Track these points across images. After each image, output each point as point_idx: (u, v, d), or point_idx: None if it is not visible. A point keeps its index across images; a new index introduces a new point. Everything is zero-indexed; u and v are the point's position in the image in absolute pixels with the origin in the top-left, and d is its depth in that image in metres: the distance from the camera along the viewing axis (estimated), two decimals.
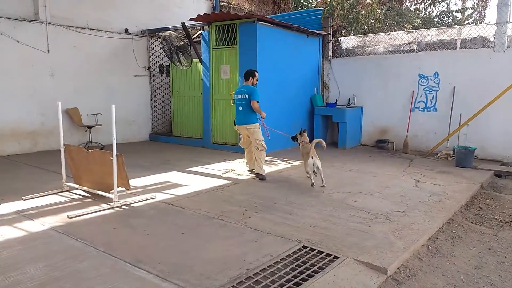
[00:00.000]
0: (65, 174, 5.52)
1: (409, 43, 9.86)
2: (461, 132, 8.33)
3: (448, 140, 8.46)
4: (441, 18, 15.95)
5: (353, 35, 12.22)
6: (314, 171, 5.90)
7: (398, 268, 3.37)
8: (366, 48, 10.54)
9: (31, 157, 7.99)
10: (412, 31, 10.46)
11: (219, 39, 8.79)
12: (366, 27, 14.24)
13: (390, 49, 10.06)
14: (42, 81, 8.51)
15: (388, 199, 5.25)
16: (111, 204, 4.80)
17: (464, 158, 7.43)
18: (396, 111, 9.46)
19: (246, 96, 6.34)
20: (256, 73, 6.55)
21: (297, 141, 6.67)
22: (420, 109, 9.15)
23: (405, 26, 16.34)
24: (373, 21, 14.08)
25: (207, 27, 8.91)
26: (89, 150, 5.19)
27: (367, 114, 10.03)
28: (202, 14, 8.34)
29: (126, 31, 10.09)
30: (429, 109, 9.02)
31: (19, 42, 8.06)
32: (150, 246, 3.66)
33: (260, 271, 3.16)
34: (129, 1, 10.20)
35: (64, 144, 5.51)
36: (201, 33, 9.11)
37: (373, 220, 4.38)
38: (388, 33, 10.68)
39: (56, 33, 8.67)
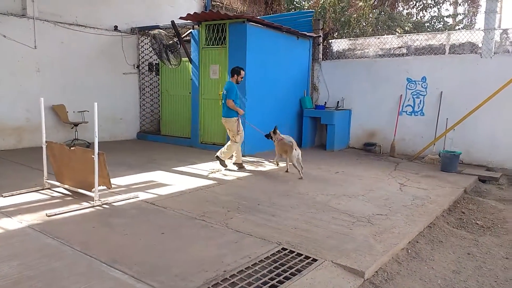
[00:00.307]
0: (47, 172, 5.45)
1: (399, 47, 9.93)
2: (447, 136, 8.39)
3: (434, 144, 8.52)
4: (432, 23, 16.07)
5: (345, 38, 12.27)
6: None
7: (376, 272, 3.37)
8: (357, 51, 10.59)
9: (16, 153, 7.87)
10: (402, 35, 10.54)
11: (209, 39, 8.76)
12: (357, 30, 14.31)
13: (380, 53, 10.11)
14: (28, 77, 8.40)
15: (372, 202, 5.26)
16: (92, 202, 4.74)
17: (449, 162, 7.49)
18: (384, 114, 9.51)
19: (225, 92, 6.77)
20: (242, 71, 6.77)
21: (271, 139, 6.97)
22: (407, 113, 9.21)
23: (397, 30, 16.45)
24: (364, 24, 14.15)
25: (197, 26, 8.88)
26: (71, 148, 5.13)
27: (355, 117, 10.07)
28: (192, 13, 8.30)
29: (116, 28, 10.01)
30: (416, 113, 9.08)
31: (6, 37, 7.94)
32: (128, 246, 3.62)
33: (237, 272, 3.14)
34: None
35: (46, 141, 5.43)
36: (191, 32, 9.07)
37: (355, 223, 4.38)
38: (378, 37, 10.73)
39: (44, 29, 8.57)
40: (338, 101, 10.17)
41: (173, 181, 6.07)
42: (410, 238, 4.12)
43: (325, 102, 10.30)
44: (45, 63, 8.66)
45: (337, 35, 13.70)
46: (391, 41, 10.05)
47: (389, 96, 9.42)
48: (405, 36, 10.30)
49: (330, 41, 11.17)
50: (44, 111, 5.40)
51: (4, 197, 4.94)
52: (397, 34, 14.12)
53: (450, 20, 16.63)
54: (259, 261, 3.36)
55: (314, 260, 3.42)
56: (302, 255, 3.51)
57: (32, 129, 8.39)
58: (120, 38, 10.09)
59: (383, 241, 3.88)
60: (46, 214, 4.34)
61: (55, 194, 5.22)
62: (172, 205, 4.82)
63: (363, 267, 3.29)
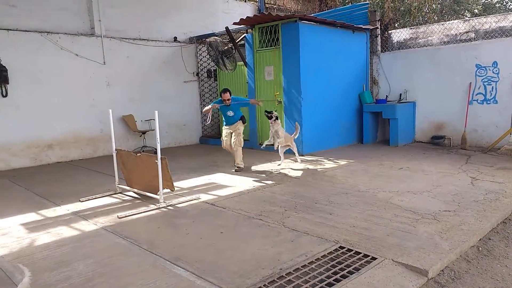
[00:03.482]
0: (118, 177, 5.89)
1: (466, 32, 9.23)
2: None
3: (511, 134, 7.79)
4: (504, 3, 14.72)
5: (406, 27, 11.69)
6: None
7: (442, 270, 3.18)
8: (419, 40, 10.04)
9: (92, 161, 8.60)
10: (469, 19, 9.79)
11: (262, 41, 8.87)
12: (420, 18, 13.56)
13: (445, 40, 9.49)
14: (99, 91, 9.14)
15: (439, 198, 4.97)
16: (157, 205, 5.04)
17: None
18: (452, 105, 8.90)
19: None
20: (223, 94, 7.05)
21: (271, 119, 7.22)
22: (478, 101, 8.53)
23: (465, 14, 15.33)
24: (427, 11, 13.37)
25: (250, 30, 9.03)
26: (137, 154, 5.49)
27: (420, 109, 9.55)
28: (244, 18, 8.47)
29: (175, 39, 10.52)
30: (488, 101, 8.38)
31: (78, 55, 8.74)
32: (190, 244, 3.79)
33: (293, 270, 3.15)
34: (178, 10, 10.63)
35: (116, 149, 5.88)
36: (245, 36, 9.25)
37: (419, 221, 4.17)
38: (442, 23, 10.07)
39: (111, 45, 9.27)
40: (400, 94, 9.73)
41: (232, 182, 6.23)
42: (481, 235, 3.83)
43: (386, 96, 9.90)
44: (113, 77, 9.36)
45: (397, 25, 13.09)
46: (457, 26, 9.38)
47: (456, 85, 8.81)
48: (472, 19, 9.55)
49: (389, 31, 10.71)
50: (114, 122, 5.87)
51: (82, 201, 5.43)
52: (465, 18, 13.16)
53: None
54: (315, 260, 3.34)
55: (373, 258, 3.32)
56: (360, 253, 3.42)
57: (106, 139, 9.10)
58: (179, 48, 10.59)
59: (450, 239, 3.65)
60: (118, 216, 4.70)
61: (126, 197, 5.62)
62: (230, 206, 4.96)
63: (427, 265, 3.12)
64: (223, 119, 7.40)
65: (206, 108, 7.10)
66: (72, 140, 8.85)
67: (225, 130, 7.36)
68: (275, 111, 7.54)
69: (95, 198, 5.57)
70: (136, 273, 3.22)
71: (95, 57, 9.01)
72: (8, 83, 7.84)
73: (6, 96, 7.87)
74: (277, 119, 7.11)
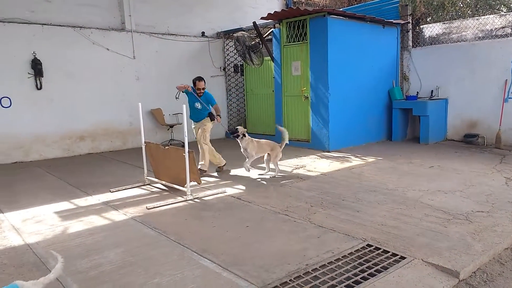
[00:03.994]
0: (147, 169, 6.01)
1: (502, 28, 8.85)
2: None
3: None
4: None
5: (438, 22, 11.32)
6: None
7: (474, 272, 3.08)
8: (452, 35, 9.71)
9: (121, 153, 8.82)
10: (505, 14, 9.37)
11: (290, 36, 8.80)
12: (454, 13, 13.09)
13: (479, 35, 9.14)
14: (129, 85, 9.33)
15: (471, 198, 4.81)
16: (185, 197, 5.12)
17: None
18: (487, 102, 8.58)
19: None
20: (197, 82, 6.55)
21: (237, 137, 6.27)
22: None
23: (501, 9, 14.68)
24: (461, 5, 12.89)
25: (278, 24, 8.98)
26: (165, 147, 5.58)
27: (453, 106, 9.25)
28: (272, 13, 8.42)
29: (203, 34, 10.60)
30: None
31: (109, 50, 8.96)
32: (216, 237, 3.83)
33: (319, 267, 3.13)
34: (206, 5, 10.70)
35: (145, 142, 5.99)
36: (272, 31, 9.21)
37: (450, 221, 4.05)
38: (477, 17, 9.69)
39: (141, 40, 9.44)
40: (432, 90, 9.45)
41: (258, 176, 6.23)
42: None
43: (417, 92, 9.64)
44: (143, 71, 9.53)
45: (429, 20, 12.70)
46: (493, 21, 9.01)
47: (491, 82, 8.47)
48: (509, 14, 9.14)
49: (421, 26, 10.40)
50: (143, 115, 5.97)
51: (112, 192, 5.58)
52: (501, 13, 12.62)
53: None
54: (342, 257, 3.30)
55: (402, 258, 3.25)
56: (388, 252, 3.36)
57: (135, 132, 9.30)
58: (207, 43, 10.66)
59: (483, 240, 3.53)
60: (146, 207, 4.80)
61: (154, 189, 5.74)
62: (256, 200, 4.97)
63: (458, 267, 3.03)
64: (190, 112, 6.72)
65: (180, 85, 6.52)
66: (103, 132, 9.10)
67: (195, 127, 6.79)
68: (241, 125, 6.77)
69: (125, 189, 5.71)
70: (164, 263, 3.28)
71: (125, 52, 9.20)
72: (42, 76, 8.14)
73: (41, 89, 8.17)
74: (245, 136, 6.23)
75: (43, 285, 2.41)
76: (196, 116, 6.70)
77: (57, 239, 3.91)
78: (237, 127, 6.38)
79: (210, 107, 6.56)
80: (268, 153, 6.35)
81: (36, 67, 8.03)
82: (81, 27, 8.59)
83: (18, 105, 7.97)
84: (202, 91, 6.51)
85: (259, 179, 6.11)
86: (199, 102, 6.52)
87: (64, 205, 5.04)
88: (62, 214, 4.69)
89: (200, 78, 6.55)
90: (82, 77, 8.68)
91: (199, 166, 6.33)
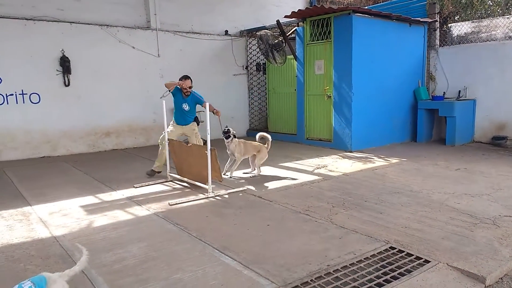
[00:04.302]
0: (169, 166, 6.10)
1: None
2: None
3: None
4: None
5: (467, 21, 11.01)
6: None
7: (501, 278, 2.99)
8: (482, 35, 9.42)
9: (145, 150, 8.97)
10: None
11: (313, 34, 8.74)
12: (483, 11, 12.70)
13: (510, 34, 8.83)
14: (153, 82, 9.46)
15: (499, 202, 4.66)
16: (206, 194, 5.16)
17: None
18: None
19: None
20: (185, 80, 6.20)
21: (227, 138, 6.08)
22: None
23: None
24: (490, 4, 12.48)
25: (301, 23, 8.93)
26: (188, 145, 5.64)
27: (481, 107, 8.98)
28: (296, 11, 8.38)
29: (226, 32, 10.65)
30: None
31: (134, 48, 9.12)
32: (237, 235, 3.85)
33: (341, 268, 3.10)
34: (230, 3, 10.74)
35: (168, 139, 6.07)
36: (295, 30, 9.16)
37: (477, 225, 3.94)
38: (508, 16, 9.37)
39: (165, 39, 9.57)
40: (459, 91, 9.20)
41: (279, 176, 6.23)
42: None
43: (444, 93, 9.41)
44: (167, 69, 9.66)
45: (458, 19, 12.36)
46: None
47: None
48: None
49: (449, 25, 10.14)
50: (166, 113, 6.05)
51: (135, 187, 5.68)
52: None
53: None
54: (364, 258, 3.26)
55: (426, 261, 3.18)
56: (412, 255, 3.29)
57: (158, 129, 9.41)
58: (230, 41, 10.71)
59: (511, 245, 3.41)
60: (169, 203, 4.86)
61: (176, 186, 5.81)
62: (277, 199, 4.96)
63: (485, 272, 2.95)
64: (175, 114, 6.35)
65: (172, 82, 6.16)
66: (127, 129, 9.28)
67: (175, 127, 6.30)
68: (227, 127, 6.16)
69: (148, 185, 5.80)
70: (186, 259, 3.32)
71: (150, 50, 9.34)
72: (70, 73, 8.36)
73: (68, 85, 8.39)
74: (235, 137, 6.10)
75: (68, 277, 2.48)
76: (183, 119, 6.34)
77: (83, 232, 4.01)
78: (229, 128, 6.09)
79: (195, 111, 6.36)
80: (254, 154, 6.28)
81: (65, 64, 8.26)
82: (108, 25, 8.78)
83: (46, 101, 8.22)
84: (189, 90, 6.18)
85: (280, 179, 6.09)
86: (187, 103, 6.19)
87: (90, 199, 5.16)
88: (87, 208, 4.81)
89: (186, 77, 6.17)
90: (108, 75, 8.87)
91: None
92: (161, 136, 6.23)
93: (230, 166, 6.24)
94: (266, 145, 6.40)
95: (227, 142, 6.07)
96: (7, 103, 7.85)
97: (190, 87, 6.17)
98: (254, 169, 6.37)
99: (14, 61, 7.82)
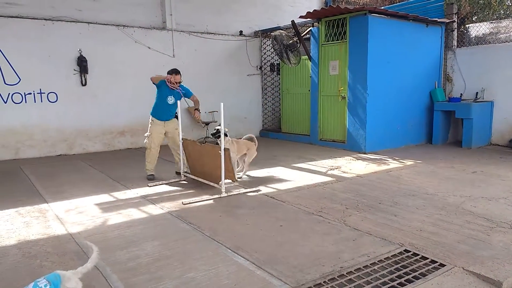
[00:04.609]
0: (183, 165, 6.13)
1: None
2: None
3: None
4: None
5: (485, 21, 10.82)
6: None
7: None
8: (500, 35, 9.24)
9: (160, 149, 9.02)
10: None
11: (328, 35, 8.69)
12: (501, 12, 12.45)
13: None
14: None
15: None
16: (219, 194, 5.17)
17: None
18: None
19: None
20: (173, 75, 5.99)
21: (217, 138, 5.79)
22: None
23: None
24: (510, 4, 12.22)
25: (316, 23, 8.89)
26: (202, 144, 5.67)
27: (499, 109, 8.80)
28: (311, 11, 8.35)
29: (241, 33, 10.67)
30: None
31: (150, 48, 9.21)
32: (250, 235, 3.85)
33: (354, 270, 3.08)
34: (245, 3, 10.77)
35: (182, 139, 6.11)
36: (310, 30, 9.13)
37: (494, 229, 3.86)
38: None
39: (180, 39, 9.64)
40: (477, 92, 9.04)
41: (292, 176, 6.22)
42: None
43: (461, 94, 9.26)
44: (181, 69, 9.53)
45: (475, 19, 12.15)
46: None
47: None
48: None
49: (467, 26, 9.97)
50: (181, 112, 6.09)
51: (149, 186, 5.74)
52: None
53: None
54: (378, 261, 3.23)
55: (442, 265, 3.13)
56: (427, 258, 3.25)
57: None
58: (244, 42, 10.73)
59: None
60: (182, 202, 4.90)
61: (190, 185, 5.84)
62: (290, 200, 4.95)
63: (501, 277, 2.89)
64: (156, 108, 6.08)
65: (159, 76, 5.98)
66: (141, 128, 9.33)
67: (157, 126, 6.03)
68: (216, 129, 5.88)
69: (162, 184, 5.86)
70: (199, 258, 3.34)
71: (165, 50, 9.43)
72: (87, 73, 8.49)
73: (85, 85, 8.53)
74: (226, 136, 5.77)
75: (81, 274, 2.53)
76: (166, 113, 6.02)
77: (98, 230, 4.06)
78: (216, 127, 5.75)
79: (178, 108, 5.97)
80: (245, 153, 6.25)
81: (82, 64, 8.39)
82: (124, 25, 8.89)
83: (63, 100, 8.36)
84: (177, 85, 5.93)
85: (293, 180, 6.07)
86: (172, 96, 5.92)
87: (105, 198, 5.23)
88: (102, 206, 4.88)
89: (177, 71, 5.90)
90: (124, 74, 8.98)
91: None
92: (146, 140, 6.13)
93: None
94: (254, 143, 6.40)
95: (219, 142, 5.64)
96: (25, 102, 8.01)
97: (178, 83, 5.93)
98: (243, 168, 6.29)
99: (32, 61, 7.98)
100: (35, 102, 8.10)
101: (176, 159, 6.36)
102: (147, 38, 9.18)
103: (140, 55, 9.12)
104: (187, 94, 6.16)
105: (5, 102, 7.84)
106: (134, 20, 9.04)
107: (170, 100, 5.98)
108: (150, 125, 6.20)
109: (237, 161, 6.27)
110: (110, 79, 8.83)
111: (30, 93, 8.04)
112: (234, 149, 6.04)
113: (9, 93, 7.85)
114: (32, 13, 7.92)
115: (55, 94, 8.28)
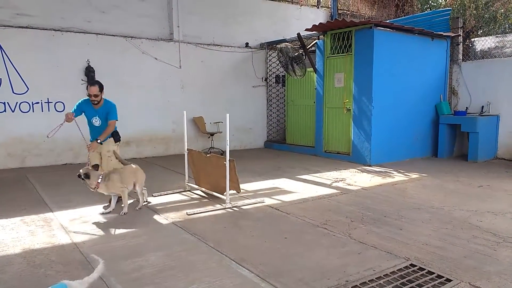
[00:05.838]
0: (188, 176, 6.15)
1: None
2: None
3: None
4: None
5: (490, 35, 10.86)
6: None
7: None
8: (506, 50, 9.26)
9: (164, 159, 9.08)
10: None
11: (334, 48, 8.76)
12: (506, 26, 12.50)
13: None
14: (174, 93, 9.63)
15: None
16: (223, 205, 5.17)
17: None
18: None
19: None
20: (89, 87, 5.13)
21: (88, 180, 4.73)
22: None
23: None
24: None
25: (322, 36, 8.96)
26: (207, 155, 5.69)
27: (504, 123, 8.78)
28: (317, 24, 8.42)
29: (247, 45, 10.77)
30: None
31: (157, 59, 9.31)
32: (254, 247, 3.83)
33: (360, 284, 3.05)
34: (251, 16, 10.89)
35: (187, 149, 6.14)
36: (316, 43, 9.20)
37: (500, 244, 3.82)
38: None
39: (187, 50, 9.75)
40: (482, 106, 9.03)
41: (297, 188, 6.20)
42: None
43: (466, 108, 9.25)
44: (187, 80, 9.81)
45: (481, 33, 12.20)
46: None
47: None
48: None
49: (472, 40, 10.01)
50: (186, 123, 6.13)
51: (154, 196, 5.74)
52: None
53: None
54: (384, 275, 3.20)
55: (448, 280, 3.10)
56: (433, 273, 3.21)
57: (177, 139, 9.56)
58: (250, 54, 10.82)
59: None
60: (187, 213, 4.89)
61: (194, 195, 5.84)
62: (295, 212, 4.93)
63: None
64: (90, 131, 5.26)
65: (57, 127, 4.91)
66: (147, 138, 9.42)
67: (94, 153, 5.12)
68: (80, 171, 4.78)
69: (166, 194, 5.86)
70: (203, 269, 3.32)
71: (172, 61, 9.52)
72: None
73: None
74: (88, 178, 4.71)
75: (88, 284, 2.52)
76: (94, 137, 5.11)
77: (102, 239, 4.06)
78: (81, 170, 4.77)
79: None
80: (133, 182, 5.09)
81: (89, 74, 8.48)
82: (132, 37, 9.00)
83: (71, 110, 8.39)
84: (98, 100, 5.01)
85: (298, 192, 6.05)
86: (97, 117, 5.03)
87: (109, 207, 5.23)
88: (106, 215, 4.88)
89: (93, 83, 5.00)
90: (131, 85, 9.07)
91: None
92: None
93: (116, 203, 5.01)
94: (133, 164, 5.31)
95: (99, 181, 4.69)
96: (33, 111, 8.09)
97: (95, 95, 4.96)
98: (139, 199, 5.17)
99: (40, 70, 8.08)
100: (42, 111, 8.18)
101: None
102: (155, 49, 9.29)
103: (147, 66, 9.22)
104: (110, 116, 5.08)
105: (13, 111, 7.93)
106: (142, 32, 9.16)
107: (96, 121, 5.08)
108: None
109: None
110: (117, 89, 8.88)
111: (38, 102, 8.13)
112: (120, 179, 4.88)
113: (17, 102, 7.94)
114: (42, 23, 8.06)
115: (62, 103, 8.36)
